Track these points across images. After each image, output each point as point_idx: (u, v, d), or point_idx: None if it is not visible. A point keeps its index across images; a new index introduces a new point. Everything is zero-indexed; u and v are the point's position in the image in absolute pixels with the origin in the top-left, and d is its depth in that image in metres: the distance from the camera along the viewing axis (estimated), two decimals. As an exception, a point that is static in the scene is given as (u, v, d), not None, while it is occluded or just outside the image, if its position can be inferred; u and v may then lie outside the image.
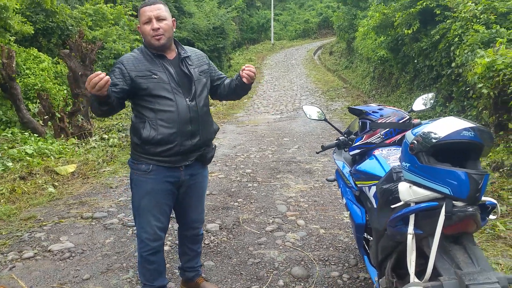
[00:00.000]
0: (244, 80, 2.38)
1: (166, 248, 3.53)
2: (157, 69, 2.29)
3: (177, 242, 3.52)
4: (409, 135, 1.81)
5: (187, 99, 2.32)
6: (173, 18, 2.38)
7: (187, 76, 2.37)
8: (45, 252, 3.54)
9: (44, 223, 4.15)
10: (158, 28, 2.24)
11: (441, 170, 1.65)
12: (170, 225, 3.83)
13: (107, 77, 1.98)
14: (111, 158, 6.42)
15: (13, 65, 6.85)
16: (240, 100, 14.32)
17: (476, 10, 6.42)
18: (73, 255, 3.47)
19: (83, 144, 6.90)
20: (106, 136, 7.46)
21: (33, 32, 8.25)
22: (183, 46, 2.47)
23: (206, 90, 2.48)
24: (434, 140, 1.66)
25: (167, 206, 2.46)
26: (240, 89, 2.50)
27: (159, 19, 2.25)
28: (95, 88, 1.96)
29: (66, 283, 3.04)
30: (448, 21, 7.20)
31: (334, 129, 3.11)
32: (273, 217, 4.17)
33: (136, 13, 14.57)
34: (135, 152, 2.37)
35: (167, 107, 2.26)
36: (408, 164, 1.79)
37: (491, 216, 1.85)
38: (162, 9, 2.28)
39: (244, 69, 2.38)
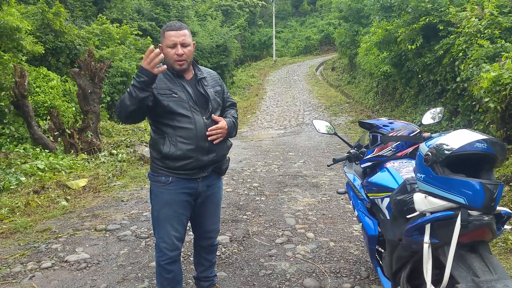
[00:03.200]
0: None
1: (179, 259, 3.59)
2: (176, 88, 2.38)
3: (189, 253, 3.59)
4: (423, 147, 1.87)
5: (204, 117, 2.42)
6: (193, 42, 2.46)
7: (203, 95, 2.47)
8: (62, 262, 3.61)
9: (59, 235, 4.23)
10: (182, 54, 2.34)
11: (456, 181, 1.71)
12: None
13: (161, 55, 2.13)
14: (120, 172, 6.51)
15: (25, 84, 7.02)
16: (244, 116, 14.45)
17: (480, 25, 6.47)
18: (89, 265, 3.54)
19: (93, 159, 7.01)
20: (114, 151, 7.56)
21: (43, 52, 8.46)
22: (200, 67, 2.57)
23: (220, 109, 2.59)
24: (448, 152, 1.72)
25: (185, 216, 2.53)
26: None
27: (183, 45, 2.34)
28: (150, 64, 2.11)
29: (83, 292, 3.11)
30: (451, 36, 7.28)
31: (344, 142, 3.17)
32: (282, 230, 4.21)
33: (141, 33, 14.82)
34: (155, 165, 2.45)
35: (186, 124, 2.36)
36: (423, 175, 1.84)
37: (507, 226, 1.89)
38: (186, 35, 2.36)
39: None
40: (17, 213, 4.76)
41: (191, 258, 3.37)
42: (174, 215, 2.46)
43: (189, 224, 2.67)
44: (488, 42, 6.09)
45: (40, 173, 5.87)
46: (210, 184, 2.57)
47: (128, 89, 2.21)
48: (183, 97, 2.38)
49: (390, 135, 2.63)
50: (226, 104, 2.68)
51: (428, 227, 1.82)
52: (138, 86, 2.16)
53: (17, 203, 4.91)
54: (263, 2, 35.48)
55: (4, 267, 3.51)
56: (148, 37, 14.85)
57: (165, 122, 2.37)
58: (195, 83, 2.47)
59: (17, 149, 6.73)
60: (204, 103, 2.46)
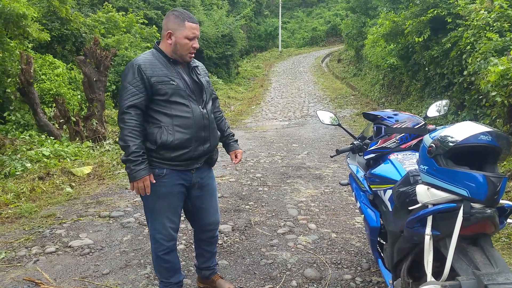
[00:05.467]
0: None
1: (181, 247, 3.62)
2: (173, 75, 2.34)
3: (191, 241, 3.61)
4: (427, 139, 1.86)
5: (200, 107, 2.40)
6: None
7: (198, 84, 2.45)
8: (66, 247, 3.67)
9: (63, 221, 4.28)
10: (197, 48, 2.37)
11: (459, 173, 1.69)
12: (184, 225, 3.93)
13: (148, 188, 2.29)
14: (124, 161, 6.54)
15: (31, 71, 7.04)
16: (248, 107, 14.41)
17: (489, 18, 6.37)
18: (92, 251, 3.59)
19: (98, 147, 7.06)
20: (119, 139, 7.59)
21: (49, 39, 8.45)
22: None
23: (212, 99, 2.59)
24: (451, 144, 1.70)
25: (180, 207, 2.54)
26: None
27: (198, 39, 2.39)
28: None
29: (87, 277, 3.15)
30: (459, 29, 7.19)
31: (348, 134, 3.15)
32: (284, 220, 4.22)
33: (147, 22, 14.69)
34: (149, 158, 2.33)
35: (184, 113, 2.32)
36: (426, 167, 1.83)
37: (510, 220, 1.87)
38: None
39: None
40: (22, 199, 4.83)
41: (194, 246, 3.40)
42: (170, 207, 2.45)
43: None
44: (497, 35, 6.01)
45: (45, 159, 5.92)
46: (202, 175, 2.55)
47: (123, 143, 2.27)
48: (181, 85, 2.34)
49: (394, 126, 2.61)
50: (214, 97, 2.68)
51: (430, 219, 1.81)
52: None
53: (23, 188, 4.99)
54: (270, -8, 35.22)
55: (9, 251, 3.57)
56: (154, 25, 14.78)
57: (161, 110, 2.31)
58: (189, 72, 2.45)
59: (23, 136, 6.78)
60: (199, 92, 2.44)
